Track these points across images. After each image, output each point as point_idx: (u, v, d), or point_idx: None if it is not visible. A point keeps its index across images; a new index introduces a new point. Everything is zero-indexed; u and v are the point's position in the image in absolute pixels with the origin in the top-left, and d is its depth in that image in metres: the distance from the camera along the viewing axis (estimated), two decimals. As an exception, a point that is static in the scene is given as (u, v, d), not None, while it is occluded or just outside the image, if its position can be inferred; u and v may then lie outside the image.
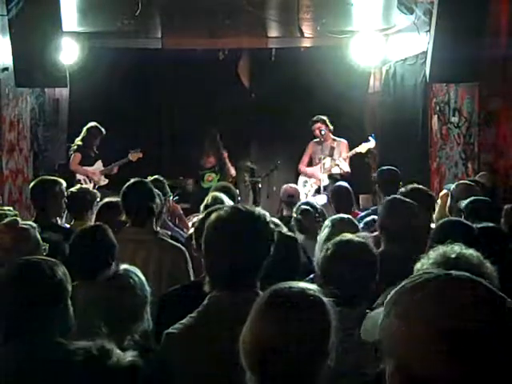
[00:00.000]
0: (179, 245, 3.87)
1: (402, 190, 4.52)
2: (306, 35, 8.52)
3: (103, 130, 8.38)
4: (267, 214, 2.37)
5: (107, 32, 8.52)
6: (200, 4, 7.10)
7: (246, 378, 1.70)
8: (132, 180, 4.09)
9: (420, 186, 4.67)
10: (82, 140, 8.35)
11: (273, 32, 9.01)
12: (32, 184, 4.91)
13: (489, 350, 1.17)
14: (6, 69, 6.79)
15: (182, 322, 2.28)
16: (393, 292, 1.29)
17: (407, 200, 3.84)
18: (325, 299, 1.75)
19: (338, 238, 2.85)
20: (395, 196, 3.97)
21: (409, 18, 6.84)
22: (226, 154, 8.98)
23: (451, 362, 1.18)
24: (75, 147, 8.38)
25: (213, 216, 2.33)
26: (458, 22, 5.86)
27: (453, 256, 2.29)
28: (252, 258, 2.24)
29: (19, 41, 5.86)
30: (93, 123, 8.37)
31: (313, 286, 1.78)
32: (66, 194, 4.91)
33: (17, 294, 2.24)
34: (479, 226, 3.39)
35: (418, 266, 2.38)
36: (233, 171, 8.95)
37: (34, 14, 5.74)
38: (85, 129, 8.36)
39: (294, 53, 9.32)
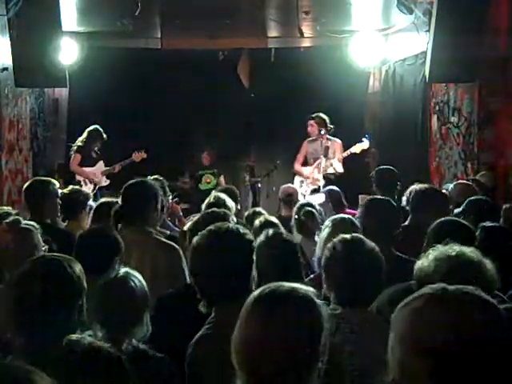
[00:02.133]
0: (174, 244, 3.86)
1: (417, 187, 4.50)
2: (305, 35, 8.52)
3: (104, 135, 8.36)
4: (240, 227, 2.59)
5: (107, 32, 8.51)
6: (200, 4, 7.10)
7: (236, 378, 1.66)
8: (132, 180, 4.08)
9: (434, 187, 4.69)
10: (82, 141, 8.35)
11: (272, 32, 9.02)
12: (25, 185, 4.91)
13: (467, 371, 1.15)
14: (5, 69, 6.79)
15: (200, 334, 2.37)
16: (398, 306, 1.29)
17: (385, 199, 3.89)
18: (317, 300, 1.69)
19: (338, 238, 2.82)
20: (374, 197, 3.97)
21: (408, 17, 6.85)
22: (222, 178, 9.10)
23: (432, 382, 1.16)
24: (75, 148, 8.37)
25: (190, 246, 2.55)
26: (457, 21, 5.87)
27: (453, 254, 2.29)
28: (232, 273, 2.40)
29: (19, 41, 5.86)
30: (95, 126, 8.35)
31: (305, 287, 1.73)
32: (59, 194, 4.91)
33: (39, 292, 2.24)
34: (486, 225, 3.38)
35: (418, 264, 2.38)
36: None
37: (33, 13, 5.74)
38: (86, 131, 8.33)
39: (293, 53, 9.33)
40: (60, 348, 1.98)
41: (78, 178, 8.29)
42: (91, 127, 8.35)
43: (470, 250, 2.31)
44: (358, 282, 2.58)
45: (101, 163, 8.48)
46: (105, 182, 8.46)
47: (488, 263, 2.26)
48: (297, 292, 1.69)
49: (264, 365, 1.60)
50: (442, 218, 3.50)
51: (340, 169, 8.25)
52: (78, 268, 2.34)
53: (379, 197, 4.09)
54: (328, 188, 6.57)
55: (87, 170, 8.38)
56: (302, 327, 1.63)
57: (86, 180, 8.33)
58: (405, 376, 1.22)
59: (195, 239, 2.54)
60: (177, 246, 3.78)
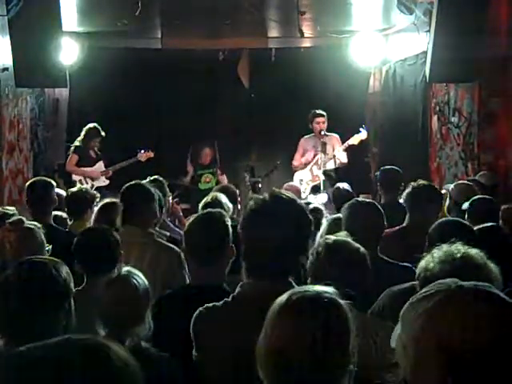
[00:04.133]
0: (174, 246, 3.87)
1: (414, 184, 4.46)
2: (305, 35, 8.51)
3: (102, 132, 8.37)
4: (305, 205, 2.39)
5: (107, 32, 8.52)
6: (200, 4, 7.10)
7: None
8: (130, 182, 4.11)
9: (431, 184, 4.65)
10: (80, 141, 8.35)
11: (273, 32, 9.01)
12: (27, 185, 4.91)
13: (485, 371, 1.13)
14: (5, 69, 6.79)
15: (215, 303, 2.28)
16: (407, 303, 1.27)
17: (370, 201, 3.86)
18: (342, 302, 1.66)
19: (323, 240, 2.79)
20: (357, 199, 3.93)
21: (408, 18, 6.85)
22: (224, 177, 9.02)
23: (447, 381, 1.14)
24: (73, 148, 8.38)
25: (251, 201, 2.30)
26: (457, 21, 5.87)
27: (458, 255, 2.28)
28: (287, 245, 2.21)
29: (19, 41, 5.86)
30: (92, 124, 8.36)
31: (329, 289, 1.69)
32: (56, 194, 4.93)
33: (24, 295, 2.24)
34: (481, 226, 3.37)
35: (421, 264, 2.36)
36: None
37: (33, 13, 5.74)
38: (84, 129, 8.35)
39: (293, 53, 9.33)
40: None
41: (74, 178, 8.25)
42: (88, 125, 8.35)
43: (474, 252, 2.30)
44: (344, 282, 2.55)
45: (100, 163, 8.47)
46: (103, 182, 8.44)
47: (492, 264, 2.25)
48: (323, 295, 1.66)
49: (295, 372, 1.56)
50: (444, 219, 3.50)
51: (345, 159, 8.23)
52: (64, 270, 2.34)
53: (363, 199, 4.04)
54: (336, 187, 6.35)
55: (83, 169, 8.36)
56: (331, 332, 1.60)
57: (83, 180, 8.30)
58: (418, 377, 1.20)
59: (251, 203, 2.29)
60: (177, 249, 3.78)
